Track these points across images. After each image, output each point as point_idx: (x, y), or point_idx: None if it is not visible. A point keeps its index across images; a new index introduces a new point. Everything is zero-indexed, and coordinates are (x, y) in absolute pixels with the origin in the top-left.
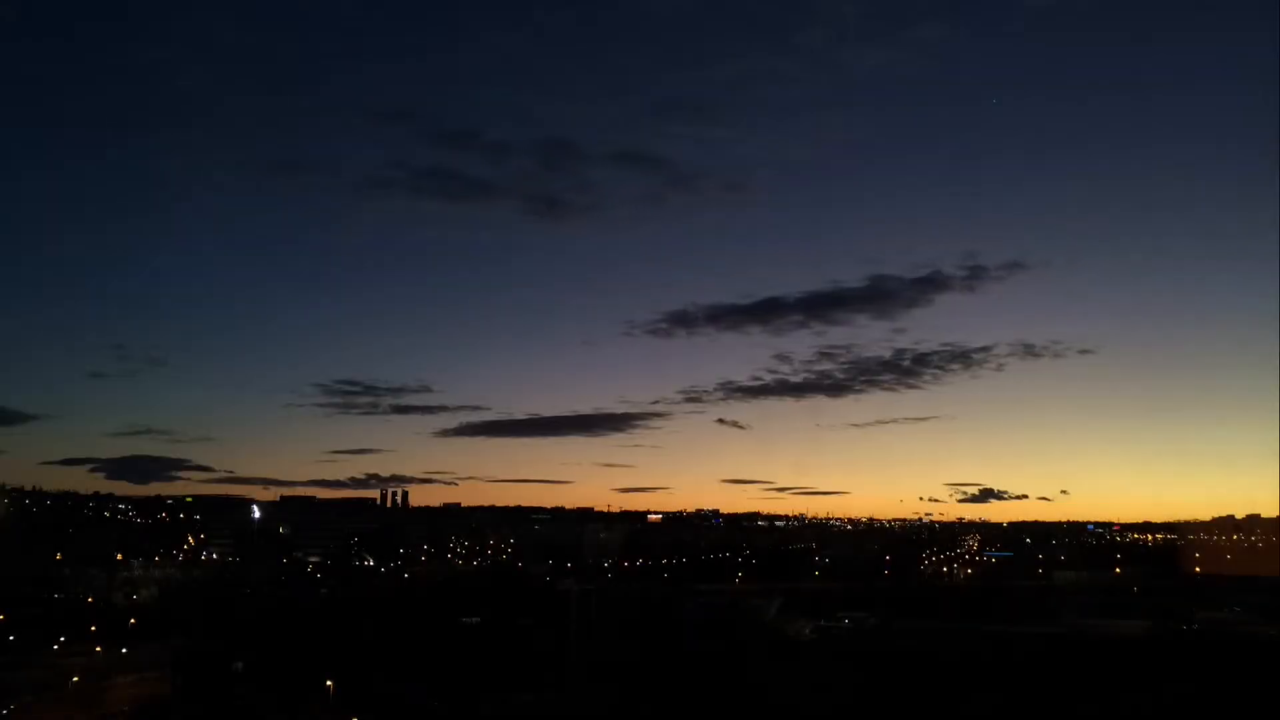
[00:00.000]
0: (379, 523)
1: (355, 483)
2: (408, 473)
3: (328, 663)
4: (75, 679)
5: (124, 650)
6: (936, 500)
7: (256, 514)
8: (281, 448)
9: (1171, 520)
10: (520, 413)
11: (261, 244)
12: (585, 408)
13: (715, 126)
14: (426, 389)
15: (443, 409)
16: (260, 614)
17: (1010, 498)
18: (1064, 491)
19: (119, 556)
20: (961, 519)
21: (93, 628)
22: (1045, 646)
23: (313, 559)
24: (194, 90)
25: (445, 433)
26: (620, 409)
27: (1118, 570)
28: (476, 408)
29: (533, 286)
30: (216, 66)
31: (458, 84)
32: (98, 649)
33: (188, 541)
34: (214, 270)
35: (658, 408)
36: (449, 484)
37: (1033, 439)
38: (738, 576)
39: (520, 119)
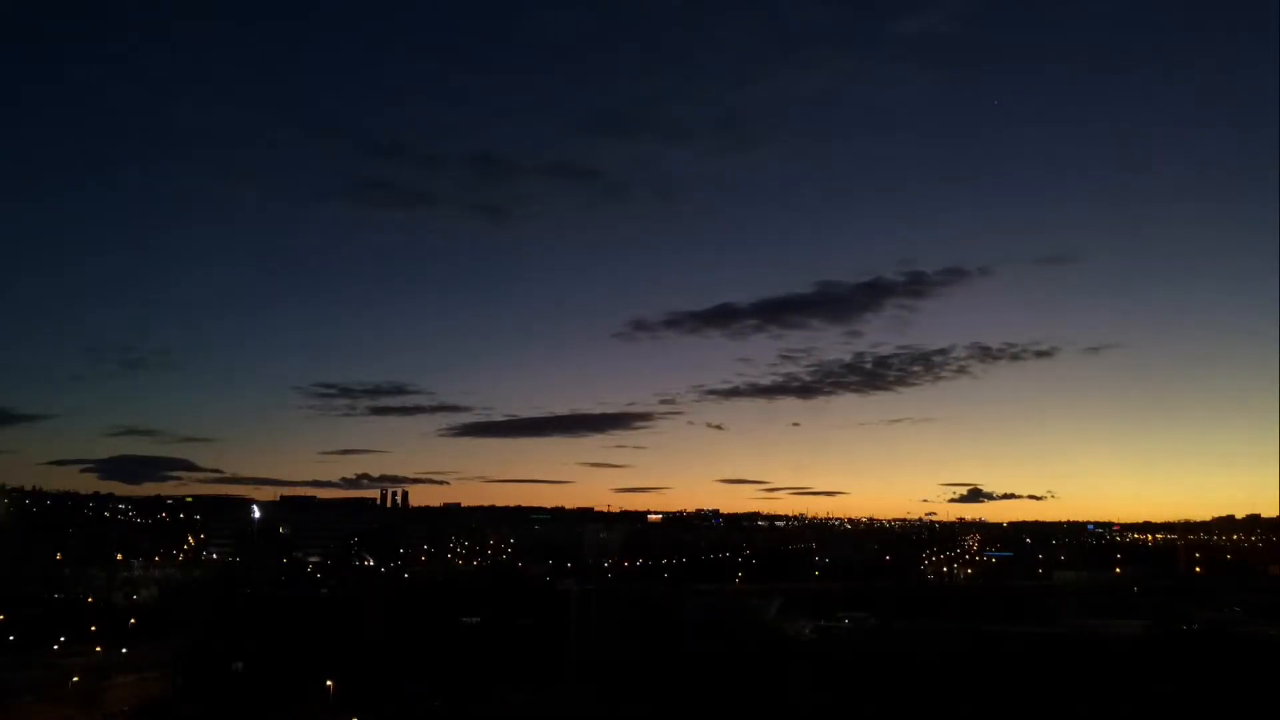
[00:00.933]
0: (379, 523)
1: (347, 483)
2: (406, 473)
3: (328, 662)
4: (75, 679)
5: (124, 650)
6: (927, 500)
7: (256, 514)
8: (281, 448)
9: (1171, 520)
10: (500, 414)
11: (253, 249)
12: (562, 409)
13: (639, 141)
14: (419, 390)
15: (438, 409)
16: (260, 614)
17: (997, 497)
18: (1051, 494)
19: (119, 556)
20: (961, 519)
21: (93, 628)
22: (1045, 647)
23: (313, 559)
24: (170, 107)
25: (443, 433)
26: (601, 410)
27: (1118, 570)
28: (455, 408)
29: (494, 293)
30: (177, 81)
31: (386, 100)
32: (98, 649)
33: (188, 541)
34: (212, 274)
35: (650, 409)
36: (440, 483)
37: (1013, 440)
38: (738, 576)
39: (451, 133)
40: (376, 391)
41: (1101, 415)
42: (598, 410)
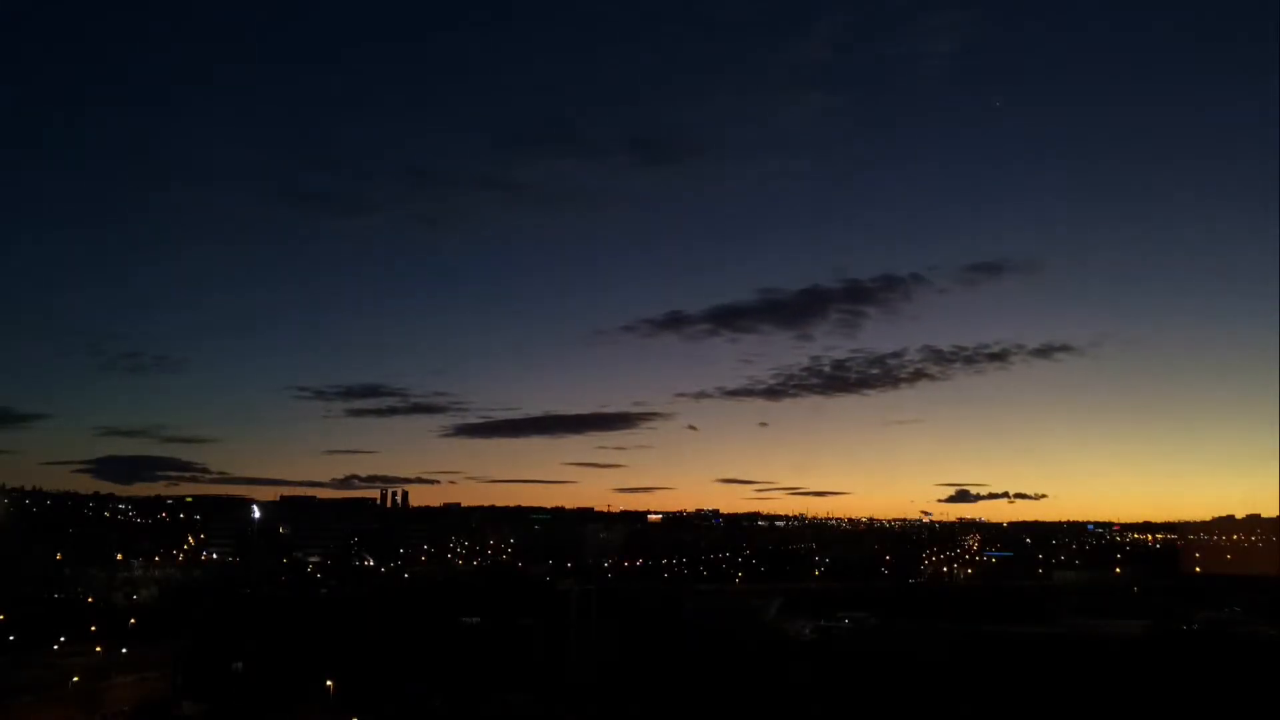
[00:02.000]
0: (379, 523)
1: (338, 483)
2: (407, 473)
3: (328, 662)
4: (75, 679)
5: (124, 650)
6: (914, 501)
7: (256, 514)
8: (281, 448)
9: (1171, 520)
10: (475, 415)
11: (247, 252)
12: (535, 410)
13: (563, 156)
14: (405, 392)
15: (412, 410)
16: (260, 614)
17: (984, 497)
18: (1041, 494)
19: (119, 556)
20: (961, 519)
21: (93, 628)
22: (1045, 647)
23: (313, 559)
24: (161, 129)
25: (440, 433)
26: (578, 411)
27: (1118, 570)
28: (431, 408)
29: (454, 298)
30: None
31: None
32: (98, 649)
33: (188, 541)
34: (212, 276)
35: (649, 410)
36: (440, 483)
37: (1003, 440)
38: (738, 576)
39: (385, 148)
40: (351, 393)
41: (1101, 415)
42: (574, 412)
